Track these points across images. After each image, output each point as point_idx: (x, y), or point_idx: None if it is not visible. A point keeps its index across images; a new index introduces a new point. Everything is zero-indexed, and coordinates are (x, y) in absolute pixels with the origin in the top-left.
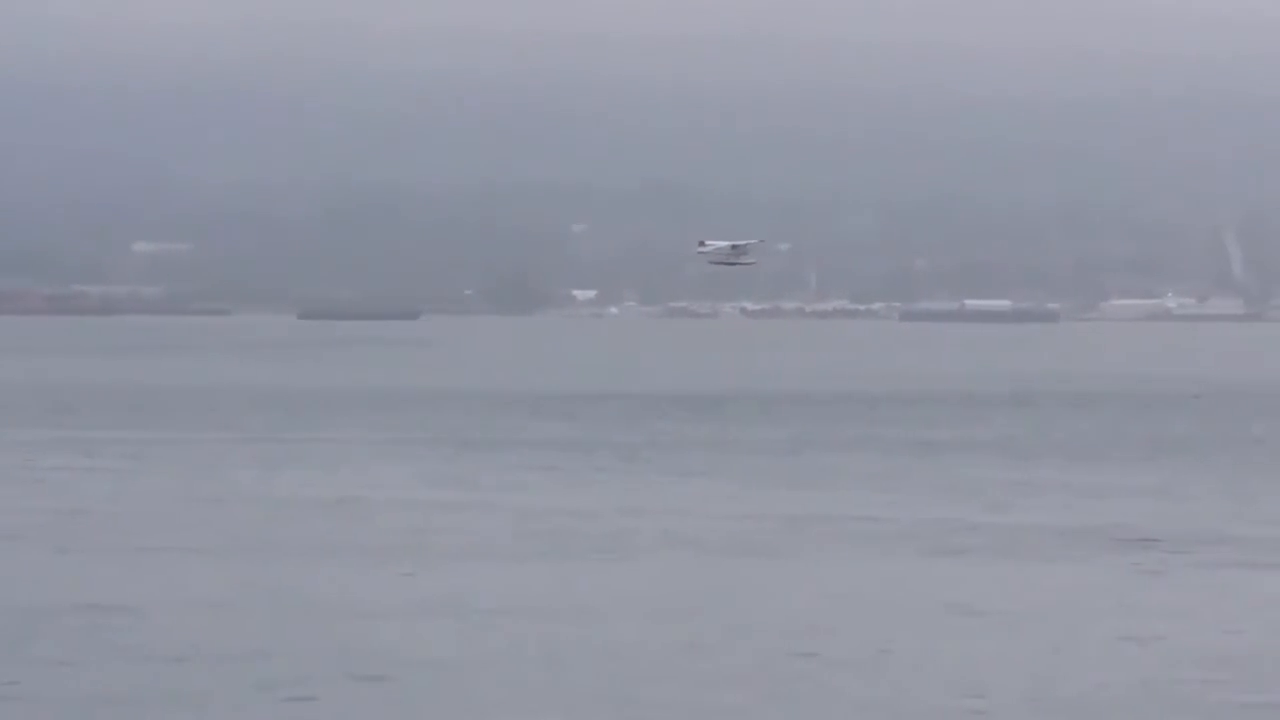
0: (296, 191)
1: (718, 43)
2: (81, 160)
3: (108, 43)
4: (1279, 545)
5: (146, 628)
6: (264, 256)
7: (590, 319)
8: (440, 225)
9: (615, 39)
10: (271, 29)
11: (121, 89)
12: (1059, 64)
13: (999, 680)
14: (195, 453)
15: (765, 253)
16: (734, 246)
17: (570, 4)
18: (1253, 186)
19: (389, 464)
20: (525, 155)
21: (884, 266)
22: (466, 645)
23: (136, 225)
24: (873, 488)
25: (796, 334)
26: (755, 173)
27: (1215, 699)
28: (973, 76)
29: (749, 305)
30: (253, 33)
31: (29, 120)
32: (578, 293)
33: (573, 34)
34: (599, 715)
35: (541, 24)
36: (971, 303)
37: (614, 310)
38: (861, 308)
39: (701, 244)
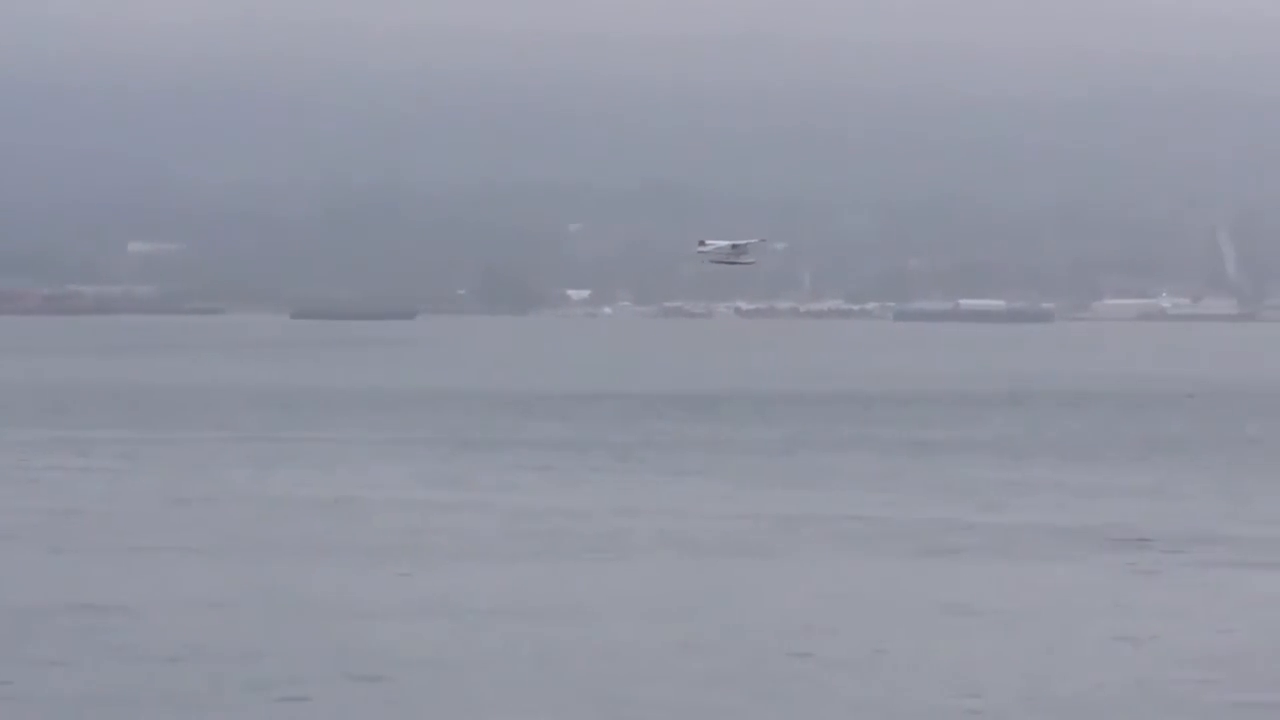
0: (291, 191)
1: (715, 42)
2: (78, 160)
3: (107, 42)
4: (1273, 545)
5: (141, 628)
6: (258, 256)
7: (585, 319)
8: (435, 225)
9: (614, 38)
10: (270, 29)
11: (120, 89)
12: (1055, 64)
13: (994, 680)
14: (190, 452)
15: (765, 252)
16: (734, 246)
17: (569, 3)
18: (1247, 186)
19: (384, 464)
20: (521, 155)
21: (879, 266)
22: (462, 645)
23: (132, 225)
24: (867, 488)
25: (791, 334)
26: (750, 173)
27: (1209, 698)
28: (969, 76)
29: (743, 305)
30: (251, 32)
31: (27, 120)
32: (572, 292)
33: (572, 33)
34: (594, 715)
35: (541, 23)
36: (966, 303)
37: (608, 310)
38: (856, 308)
39: (702, 243)
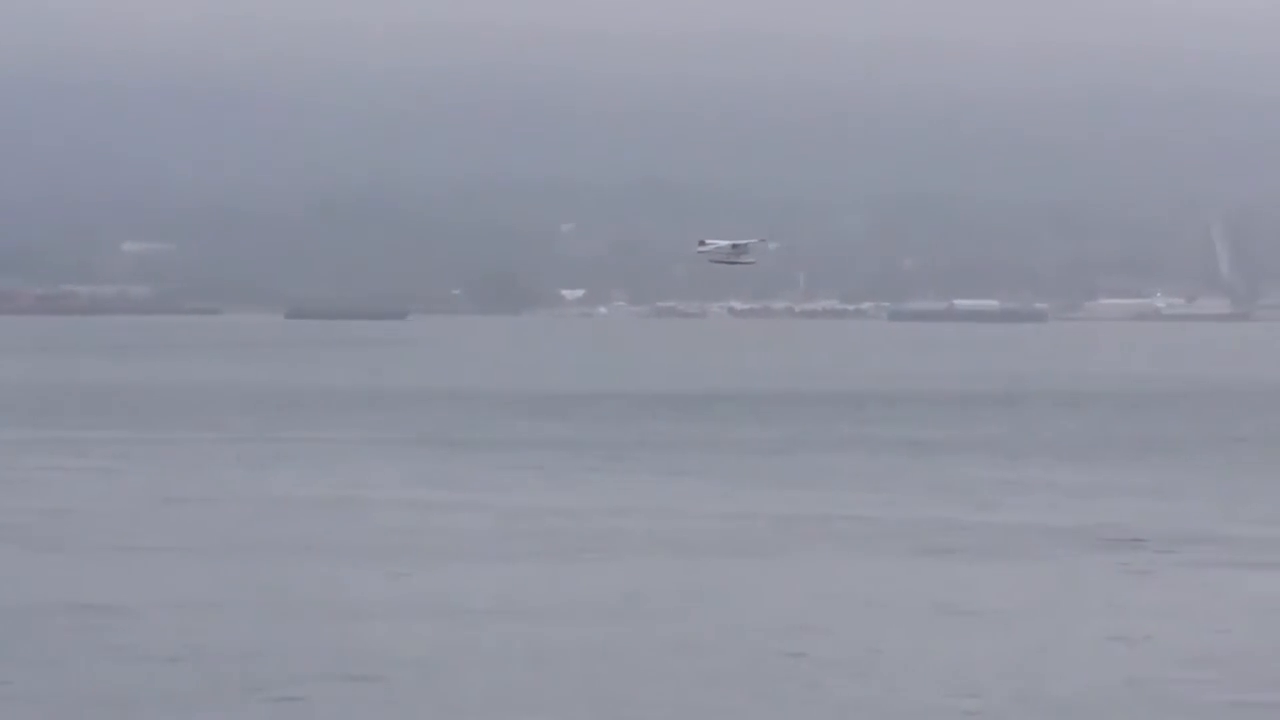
0: (285, 191)
1: (710, 41)
2: (72, 159)
3: (104, 41)
4: (1266, 545)
5: (135, 628)
6: (252, 256)
7: (578, 318)
8: (430, 225)
9: (613, 37)
10: (264, 29)
11: (115, 87)
12: (1053, 64)
13: (989, 679)
14: (184, 452)
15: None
16: (735, 246)
17: (567, 2)
18: (1242, 186)
19: (378, 464)
20: (516, 154)
21: (873, 266)
22: (457, 645)
23: (126, 225)
24: (862, 488)
25: (785, 334)
26: (745, 172)
27: (1203, 698)
28: (965, 75)
29: (737, 305)
30: (245, 32)
31: (21, 118)
32: (566, 292)
33: (570, 31)
34: (588, 715)
35: (539, 21)
36: (960, 302)
37: (602, 310)
38: (850, 307)
39: (702, 243)
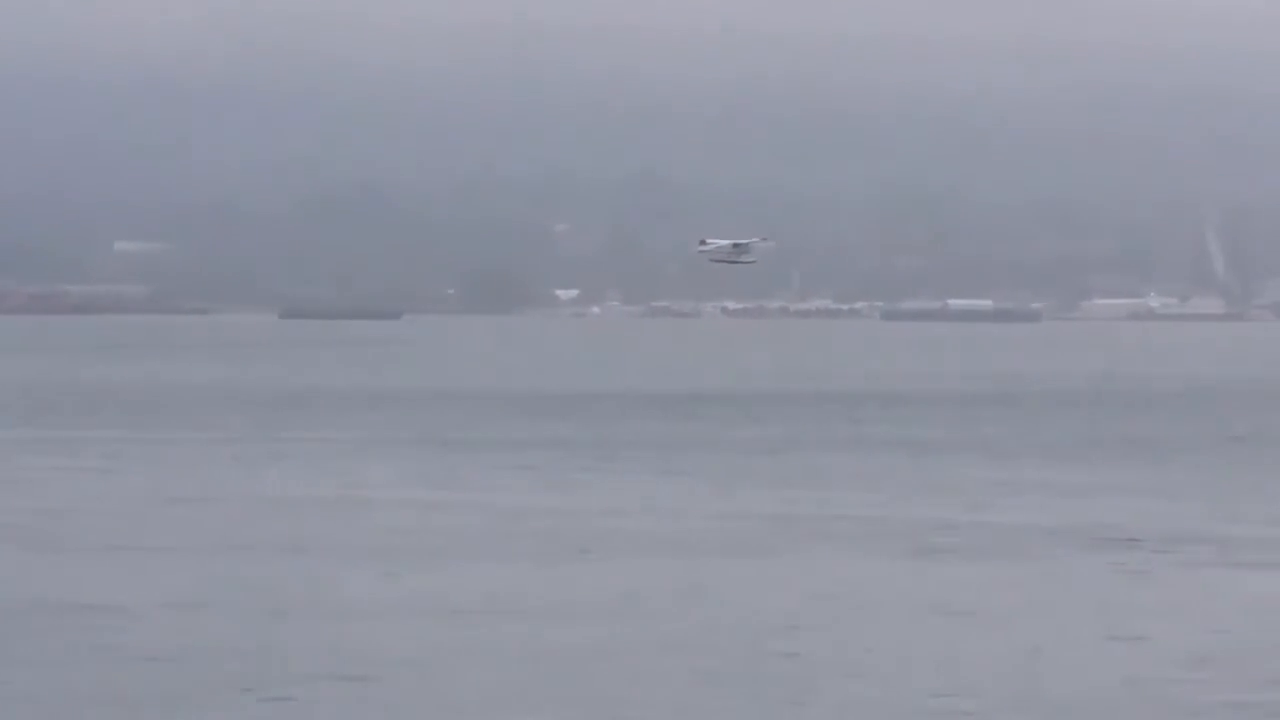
0: (279, 191)
1: (706, 39)
2: (65, 157)
3: (101, 39)
4: (1262, 544)
5: (131, 627)
6: (246, 256)
7: (572, 318)
8: (424, 224)
9: (610, 35)
10: (256, 28)
11: (108, 86)
12: (1050, 62)
13: (983, 680)
14: (178, 452)
15: (765, 251)
16: (735, 245)
17: (565, 1)
18: (1239, 185)
19: (371, 464)
20: (510, 153)
21: (867, 265)
22: (450, 645)
23: (119, 224)
24: (857, 487)
25: (779, 334)
26: (739, 171)
27: (1199, 698)
28: (960, 73)
29: (731, 305)
30: (238, 32)
31: (15, 116)
32: (560, 292)
33: (568, 29)
34: (582, 715)
35: (537, 19)
36: (954, 302)
37: (596, 310)
38: (844, 307)
39: (703, 243)
